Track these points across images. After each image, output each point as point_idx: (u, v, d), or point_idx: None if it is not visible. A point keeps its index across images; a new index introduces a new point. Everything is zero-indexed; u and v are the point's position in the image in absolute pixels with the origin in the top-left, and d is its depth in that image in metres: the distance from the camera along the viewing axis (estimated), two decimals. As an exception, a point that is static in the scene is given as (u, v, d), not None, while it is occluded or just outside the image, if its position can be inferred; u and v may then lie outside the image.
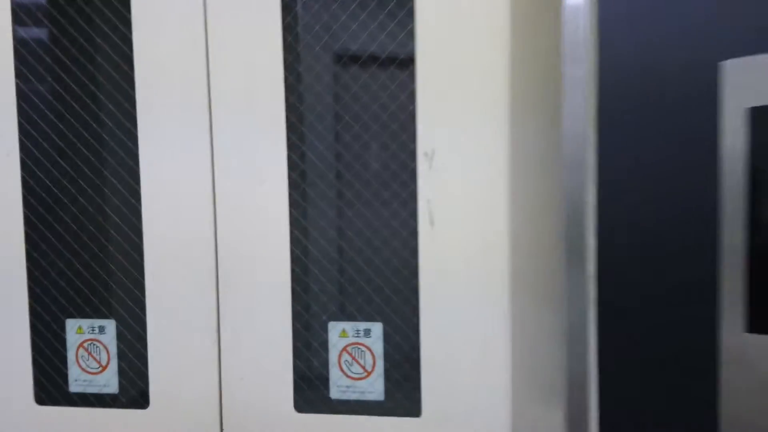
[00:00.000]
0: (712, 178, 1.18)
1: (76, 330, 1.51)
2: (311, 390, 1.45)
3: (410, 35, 1.34)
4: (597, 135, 1.32)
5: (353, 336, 1.43)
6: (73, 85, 1.51)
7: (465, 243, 1.34)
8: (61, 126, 1.51)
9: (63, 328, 1.51)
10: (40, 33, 1.51)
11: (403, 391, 1.41)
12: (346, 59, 1.43)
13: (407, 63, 1.37)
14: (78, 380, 1.51)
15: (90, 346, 1.51)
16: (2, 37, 1.46)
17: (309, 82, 1.45)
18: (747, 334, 1.22)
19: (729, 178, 1.21)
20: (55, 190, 1.50)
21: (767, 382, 1.22)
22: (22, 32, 1.48)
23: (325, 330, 1.44)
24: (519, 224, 1.33)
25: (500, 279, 1.33)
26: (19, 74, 1.47)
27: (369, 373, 1.42)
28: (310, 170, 1.46)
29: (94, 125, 1.51)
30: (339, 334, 1.43)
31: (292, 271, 1.40)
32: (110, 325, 1.51)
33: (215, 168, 1.41)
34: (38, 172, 1.50)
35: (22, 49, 1.48)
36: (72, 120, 1.50)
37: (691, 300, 1.24)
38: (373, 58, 1.41)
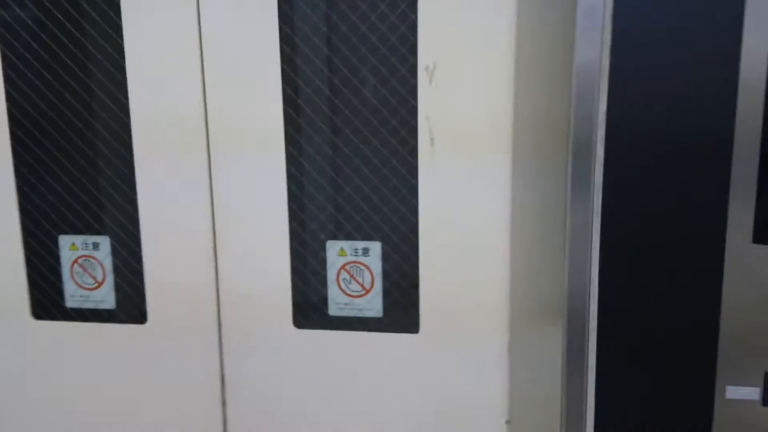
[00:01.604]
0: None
1: (69, 246, 1.48)
2: (309, 307, 1.44)
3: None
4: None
5: (352, 255, 1.40)
6: None
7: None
8: (46, 24, 1.42)
9: (56, 245, 1.49)
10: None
11: (400, 309, 1.40)
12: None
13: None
14: (74, 296, 1.50)
15: (85, 262, 1.49)
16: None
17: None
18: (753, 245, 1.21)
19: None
20: (38, 100, 1.44)
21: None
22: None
23: (323, 249, 1.41)
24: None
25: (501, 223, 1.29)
26: None
27: (368, 291, 1.41)
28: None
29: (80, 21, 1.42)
30: (337, 252, 1.40)
31: (288, 189, 1.36)
32: (104, 241, 1.48)
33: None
34: (23, 70, 1.42)
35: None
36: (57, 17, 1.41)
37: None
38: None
